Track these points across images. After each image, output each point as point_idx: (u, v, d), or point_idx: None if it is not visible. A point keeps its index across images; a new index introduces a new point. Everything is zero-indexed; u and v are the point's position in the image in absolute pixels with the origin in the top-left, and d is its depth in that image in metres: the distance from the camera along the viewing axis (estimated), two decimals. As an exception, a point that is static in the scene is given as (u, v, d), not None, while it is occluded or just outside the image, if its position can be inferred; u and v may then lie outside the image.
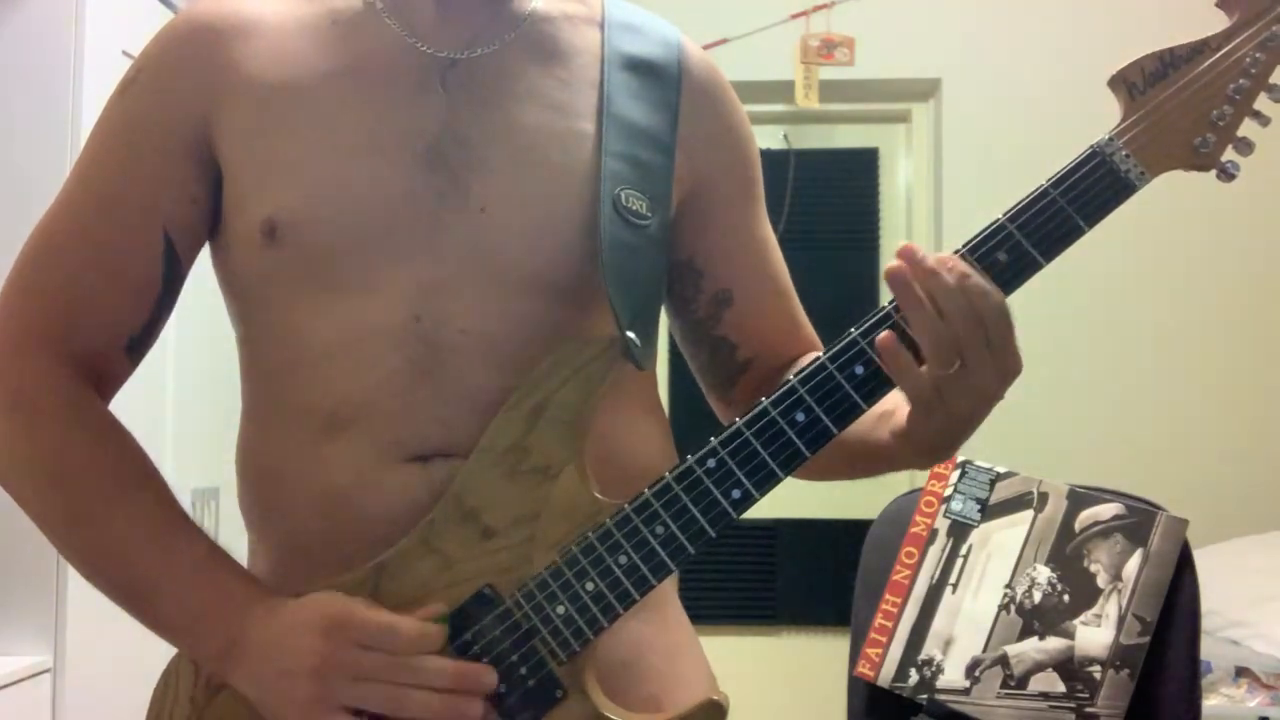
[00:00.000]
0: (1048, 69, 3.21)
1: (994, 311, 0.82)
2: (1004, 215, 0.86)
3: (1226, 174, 0.88)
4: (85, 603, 2.00)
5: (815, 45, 3.11)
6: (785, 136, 3.41)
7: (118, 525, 0.90)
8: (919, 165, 3.44)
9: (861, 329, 0.86)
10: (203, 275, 1.00)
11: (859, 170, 3.47)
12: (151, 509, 0.91)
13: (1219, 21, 0.89)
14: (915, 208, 3.43)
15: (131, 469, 0.93)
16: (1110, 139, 0.87)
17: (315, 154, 0.92)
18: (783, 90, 3.17)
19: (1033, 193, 0.86)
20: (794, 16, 3.14)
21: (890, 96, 3.42)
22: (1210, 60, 0.87)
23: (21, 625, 1.96)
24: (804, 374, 0.86)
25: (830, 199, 3.44)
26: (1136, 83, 0.87)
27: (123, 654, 2.11)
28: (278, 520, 0.95)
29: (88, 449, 0.92)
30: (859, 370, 0.85)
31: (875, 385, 0.85)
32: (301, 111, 0.93)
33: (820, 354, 0.86)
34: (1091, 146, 0.87)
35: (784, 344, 1.05)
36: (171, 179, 0.94)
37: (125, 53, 2.16)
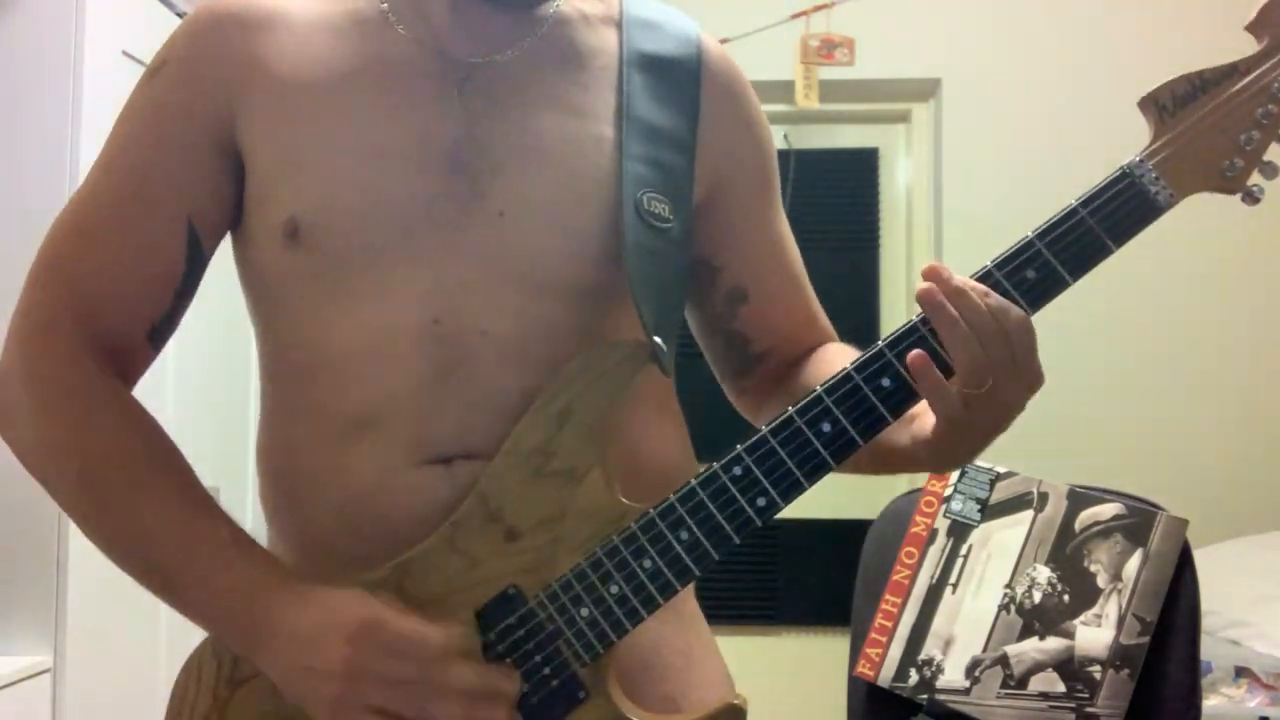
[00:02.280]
0: (1048, 69, 3.21)
1: (1019, 328, 0.83)
2: (1033, 233, 0.86)
3: (1252, 197, 0.89)
4: (85, 603, 2.00)
5: (815, 45, 3.11)
6: (785, 136, 3.41)
7: (141, 510, 0.90)
8: (919, 165, 3.43)
9: (889, 341, 0.86)
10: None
11: (859, 170, 3.46)
12: (175, 493, 0.91)
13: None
14: (915, 208, 3.43)
15: (156, 453, 0.92)
16: (1140, 160, 0.87)
17: (336, 156, 0.92)
18: (783, 90, 3.17)
19: (1061, 211, 0.87)
20: (794, 16, 3.14)
21: (890, 96, 3.42)
22: (1240, 84, 0.88)
23: (21, 625, 1.96)
24: (830, 384, 0.86)
25: (830, 199, 3.44)
26: (1167, 105, 0.88)
27: (123, 654, 2.11)
28: (299, 518, 0.95)
29: (112, 432, 0.92)
30: (886, 383, 0.85)
31: (903, 398, 0.85)
32: (323, 112, 0.93)
33: (847, 365, 0.86)
34: (1121, 167, 0.87)
35: (799, 336, 1.06)
36: (197, 170, 0.94)
37: (125, 53, 2.16)
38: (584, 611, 0.86)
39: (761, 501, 0.85)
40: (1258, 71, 0.88)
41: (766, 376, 1.07)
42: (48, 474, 0.92)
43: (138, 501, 0.90)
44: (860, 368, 0.86)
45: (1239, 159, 0.87)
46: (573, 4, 1.01)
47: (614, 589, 0.86)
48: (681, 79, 1.00)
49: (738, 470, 0.86)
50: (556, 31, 0.98)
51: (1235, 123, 0.87)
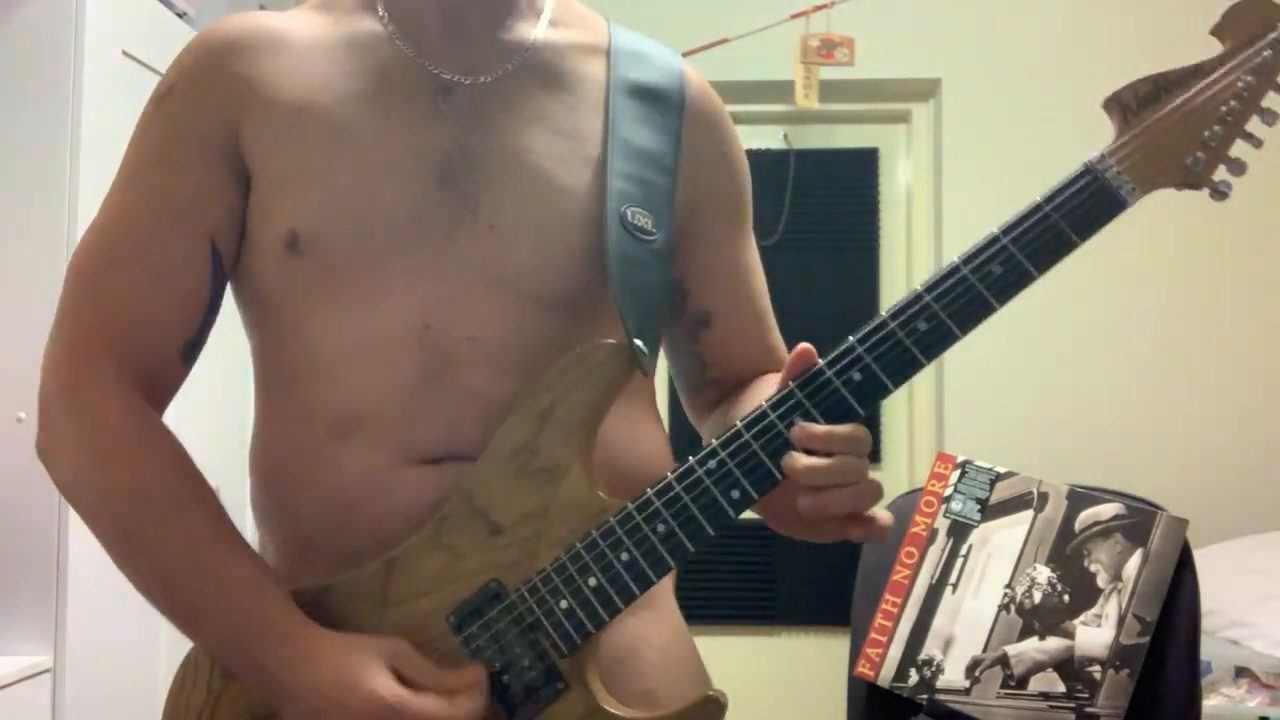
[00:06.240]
0: (1048, 69, 3.21)
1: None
2: (999, 228, 0.89)
3: (1218, 193, 0.90)
4: (85, 603, 2.00)
5: (815, 45, 3.11)
6: (785, 136, 3.41)
7: (165, 546, 0.91)
8: (919, 165, 3.44)
9: (859, 335, 0.88)
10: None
11: (859, 170, 3.46)
12: (199, 529, 0.92)
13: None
14: (915, 208, 3.43)
15: (184, 488, 0.93)
16: (1102, 156, 0.89)
17: (335, 170, 0.95)
18: (783, 90, 3.17)
19: (1027, 207, 0.89)
20: (794, 16, 3.14)
21: (890, 96, 3.42)
22: (1203, 83, 0.90)
23: (21, 625, 1.96)
24: (803, 379, 0.88)
25: (830, 199, 3.44)
26: (1130, 104, 0.90)
27: (123, 654, 2.11)
28: (289, 519, 0.97)
29: (143, 467, 0.93)
30: (856, 376, 0.87)
31: (870, 390, 0.87)
32: (323, 130, 0.96)
33: (819, 361, 0.88)
34: (1084, 163, 0.89)
35: (752, 367, 1.09)
36: (213, 188, 0.96)
37: (125, 53, 2.16)
38: (563, 604, 0.88)
39: (736, 494, 0.87)
40: (1221, 71, 0.90)
41: (715, 397, 1.11)
42: (82, 506, 0.94)
43: (160, 539, 0.91)
44: (831, 362, 0.88)
45: (1202, 154, 0.89)
46: (558, 33, 1.04)
47: (591, 581, 0.88)
48: (665, 107, 1.04)
49: (712, 464, 0.88)
50: (542, 57, 1.02)
51: (1198, 120, 0.89)
